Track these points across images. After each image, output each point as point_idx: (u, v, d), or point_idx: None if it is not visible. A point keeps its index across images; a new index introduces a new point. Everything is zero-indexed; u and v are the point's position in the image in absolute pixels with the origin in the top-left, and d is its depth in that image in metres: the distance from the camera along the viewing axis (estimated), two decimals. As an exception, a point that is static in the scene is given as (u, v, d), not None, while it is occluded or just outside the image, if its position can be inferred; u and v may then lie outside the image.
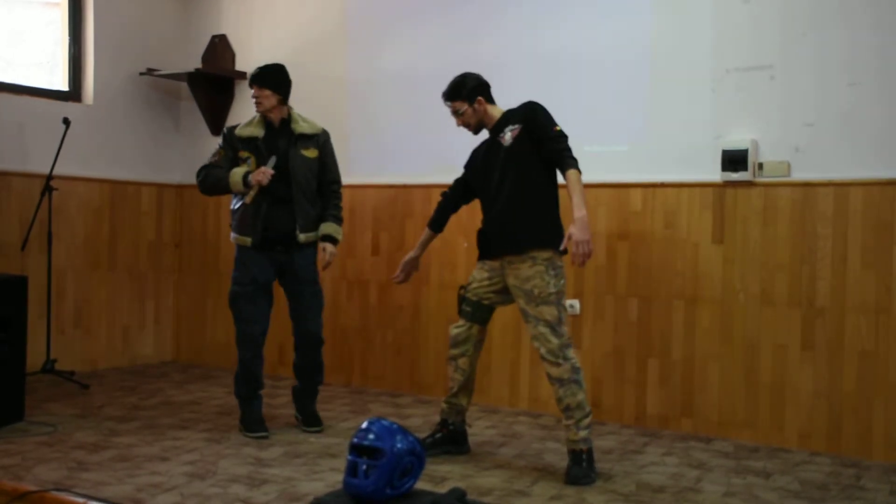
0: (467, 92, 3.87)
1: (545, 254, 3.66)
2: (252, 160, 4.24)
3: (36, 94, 5.61)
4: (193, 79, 5.97)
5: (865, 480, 3.71)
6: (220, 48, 6.14)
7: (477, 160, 3.98)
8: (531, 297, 3.67)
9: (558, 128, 3.71)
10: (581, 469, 3.60)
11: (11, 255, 5.30)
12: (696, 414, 4.47)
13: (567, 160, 3.65)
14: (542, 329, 3.66)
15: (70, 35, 5.83)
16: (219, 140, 4.43)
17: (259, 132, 4.27)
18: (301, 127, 4.31)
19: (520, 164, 3.73)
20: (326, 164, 4.38)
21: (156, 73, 6.04)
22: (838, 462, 3.99)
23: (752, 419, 4.33)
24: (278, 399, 5.01)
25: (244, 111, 6.06)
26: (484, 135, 3.97)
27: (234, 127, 4.35)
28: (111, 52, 5.92)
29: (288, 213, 4.24)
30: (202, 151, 6.29)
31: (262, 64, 4.39)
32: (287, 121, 4.31)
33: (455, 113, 3.92)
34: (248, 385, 4.31)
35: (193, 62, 6.13)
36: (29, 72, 5.74)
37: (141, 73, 6.06)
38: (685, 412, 4.51)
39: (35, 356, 5.11)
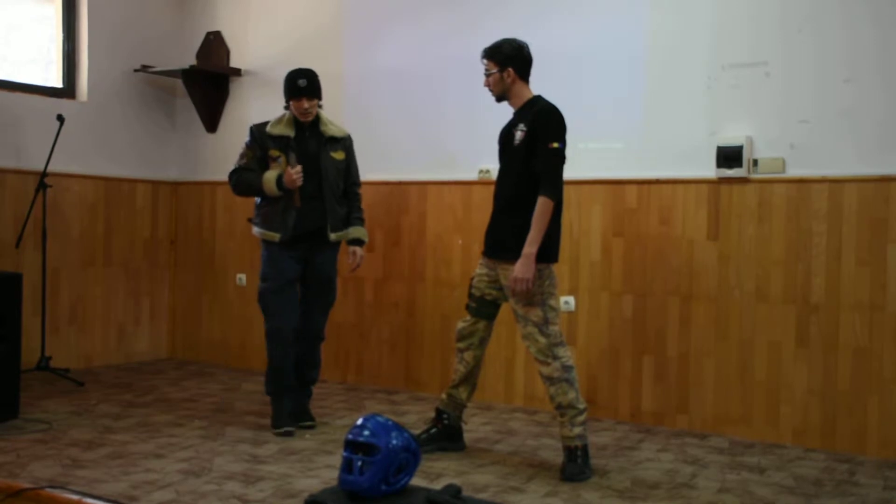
0: (502, 57, 3.75)
1: None
2: (283, 159, 4.24)
3: (30, 90, 5.59)
4: (188, 75, 5.96)
5: (859, 476, 3.72)
6: (214, 45, 6.13)
7: (500, 142, 3.89)
8: (516, 298, 3.67)
9: (556, 144, 3.62)
10: (576, 465, 3.60)
11: (6, 252, 5.29)
12: (692, 410, 4.48)
13: (545, 184, 3.60)
14: (530, 329, 3.66)
15: (64, 31, 5.81)
16: (244, 139, 4.39)
17: (290, 132, 4.28)
18: (330, 130, 4.36)
19: (523, 167, 3.69)
20: (350, 167, 4.45)
21: (150, 69, 6.03)
22: (832, 458, 4.00)
23: (746, 415, 4.34)
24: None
25: (239, 108, 6.07)
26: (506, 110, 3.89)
27: (263, 125, 4.33)
28: (105, 49, 5.90)
29: (317, 211, 4.27)
30: (197, 148, 6.30)
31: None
32: (315, 122, 4.33)
33: (485, 71, 3.81)
34: (277, 382, 4.30)
35: (188, 59, 6.12)
36: (23, 68, 5.72)
37: (135, 70, 6.04)
38: (680, 408, 4.51)
39: (30, 353, 5.10)
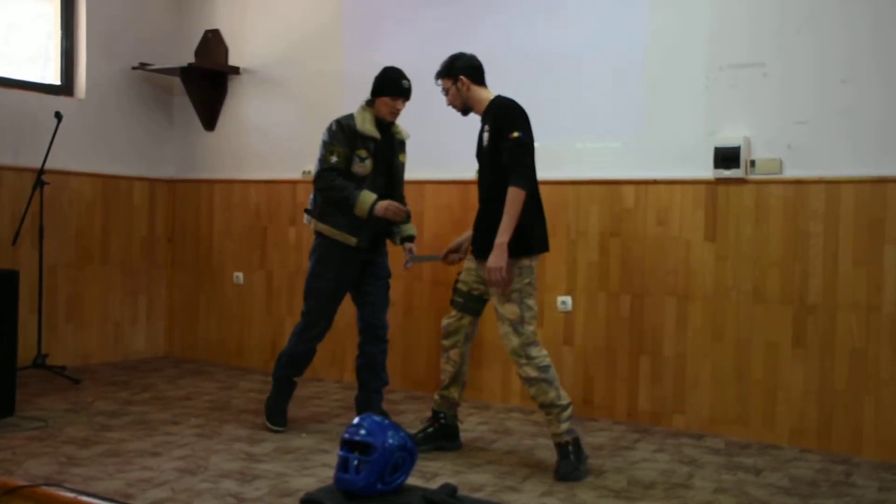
0: (453, 70, 3.84)
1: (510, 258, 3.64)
2: (369, 161, 4.15)
3: (28, 88, 5.59)
4: (186, 73, 5.95)
5: (855, 477, 3.72)
6: (213, 43, 6.12)
7: (476, 149, 3.91)
8: (496, 294, 3.68)
9: (516, 134, 3.62)
10: (569, 463, 3.60)
11: (3, 249, 5.29)
12: (688, 410, 4.49)
13: (512, 174, 3.60)
14: (506, 328, 3.66)
15: (62, 29, 5.80)
16: (324, 135, 4.21)
17: (377, 133, 4.19)
18: (402, 134, 4.35)
19: (495, 167, 3.70)
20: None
21: (148, 67, 6.02)
22: (828, 459, 4.00)
23: (743, 416, 4.34)
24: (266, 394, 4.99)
25: (237, 106, 6.06)
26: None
27: (350, 121, 4.17)
28: (103, 47, 5.90)
29: None
30: (195, 146, 6.29)
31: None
32: (389, 122, 4.26)
33: (443, 91, 3.90)
34: (290, 370, 4.33)
35: (186, 57, 6.12)
36: (21, 66, 5.71)
37: (133, 68, 6.04)
38: (677, 409, 4.52)
39: (26, 351, 5.10)
